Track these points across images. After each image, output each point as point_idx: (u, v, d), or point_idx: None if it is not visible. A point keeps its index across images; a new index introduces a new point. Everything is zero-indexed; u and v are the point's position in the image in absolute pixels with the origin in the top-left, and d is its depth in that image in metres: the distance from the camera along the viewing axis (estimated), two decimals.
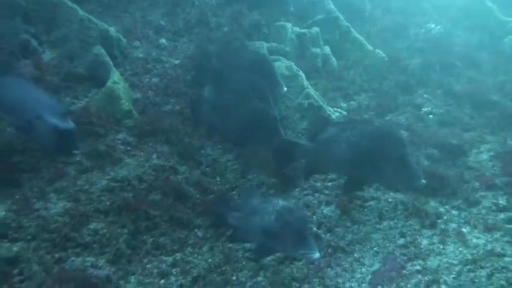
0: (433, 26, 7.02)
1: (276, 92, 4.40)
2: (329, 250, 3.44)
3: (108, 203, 3.41)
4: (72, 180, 3.51)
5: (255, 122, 3.95)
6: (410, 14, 7.69)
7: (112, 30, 4.97)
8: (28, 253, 2.90)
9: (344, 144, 3.39)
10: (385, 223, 3.69)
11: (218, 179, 4.06)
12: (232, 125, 4.13)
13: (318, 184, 4.10)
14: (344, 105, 5.28)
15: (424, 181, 3.32)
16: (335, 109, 4.95)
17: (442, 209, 3.80)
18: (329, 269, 3.29)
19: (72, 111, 4.16)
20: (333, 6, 6.42)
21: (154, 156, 4.03)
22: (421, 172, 3.36)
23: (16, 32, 4.57)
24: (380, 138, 3.31)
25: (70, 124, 3.02)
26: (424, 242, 3.48)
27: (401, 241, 3.50)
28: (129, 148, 4.05)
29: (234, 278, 3.19)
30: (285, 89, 4.45)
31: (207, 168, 4.12)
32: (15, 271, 2.82)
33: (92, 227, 3.20)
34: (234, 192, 3.95)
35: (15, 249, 2.92)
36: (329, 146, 3.48)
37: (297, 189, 4.08)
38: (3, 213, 3.10)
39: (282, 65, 5.01)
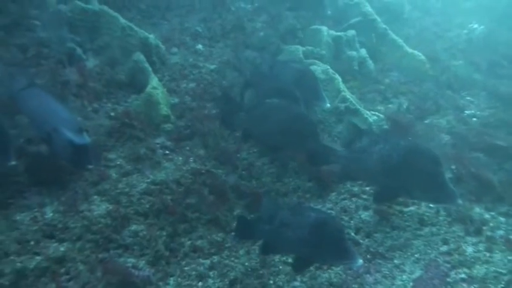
0: (476, 26, 6.78)
1: (318, 106, 4.39)
2: (368, 256, 3.36)
3: (147, 206, 3.48)
4: (113, 183, 3.62)
5: (292, 127, 3.94)
6: (450, 14, 7.46)
7: (151, 37, 5.12)
8: (74, 253, 3.00)
9: (376, 156, 3.35)
10: (426, 229, 3.57)
11: (254, 182, 4.06)
12: (269, 129, 4.13)
13: (355, 189, 4.02)
14: (382, 108, 5.17)
15: (460, 201, 3.20)
16: (372, 112, 4.86)
17: (487, 216, 3.63)
18: (368, 275, 3.21)
19: (112, 116, 4.34)
20: (369, 9, 6.33)
21: (191, 160, 4.10)
22: (457, 192, 3.21)
23: (63, 41, 4.78)
24: (413, 154, 3.24)
25: (85, 139, 3.11)
26: (469, 249, 3.33)
27: (444, 248, 3.37)
28: (167, 152, 4.14)
29: (271, 282, 3.17)
30: (329, 105, 4.41)
31: (243, 172, 4.13)
32: (62, 270, 2.93)
33: (132, 228, 3.28)
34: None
35: (62, 249, 3.03)
36: (362, 156, 3.46)
37: (333, 194, 4.02)
38: (51, 214, 3.23)
39: (317, 69, 4.97)
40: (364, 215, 3.75)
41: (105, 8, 5.04)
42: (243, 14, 6.38)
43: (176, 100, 4.78)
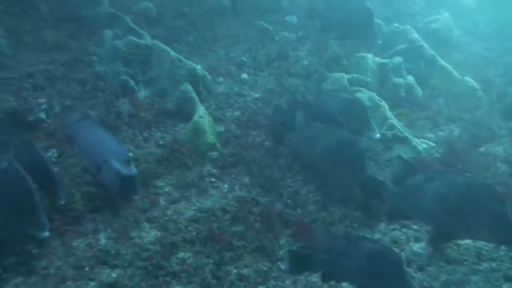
0: None
1: (368, 136, 4.35)
2: None
3: (194, 233, 3.52)
4: (162, 210, 3.71)
5: (339, 153, 3.91)
6: (503, 39, 7.19)
7: (198, 68, 5.31)
8: (125, 279, 3.07)
9: (431, 195, 3.20)
10: (485, 264, 3.35)
11: (299, 210, 4.02)
12: (315, 154, 4.13)
13: None
14: (432, 135, 5.00)
15: None
16: (422, 140, 4.71)
17: None
18: None
19: (161, 144, 4.49)
20: (416, 35, 6.25)
21: (236, 187, 4.13)
22: None
23: (117, 74, 5.07)
24: (474, 192, 3.06)
25: (132, 170, 3.22)
26: None
27: (506, 286, 3.13)
28: (213, 179, 4.20)
29: None
30: (378, 135, 4.36)
31: (288, 200, 4.10)
32: None
33: (180, 256, 3.32)
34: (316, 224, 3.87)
35: (114, 275, 3.11)
36: (415, 193, 3.31)
37: (382, 224, 3.88)
38: (105, 240, 3.35)
39: (363, 96, 4.93)
40: (416, 246, 3.59)
41: (157, 42, 5.32)
42: (287, 43, 6.50)
43: (222, 128, 4.88)
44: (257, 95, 5.52)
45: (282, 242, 3.60)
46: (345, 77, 5.35)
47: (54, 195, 3.23)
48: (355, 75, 5.48)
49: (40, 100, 4.52)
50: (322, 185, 4.17)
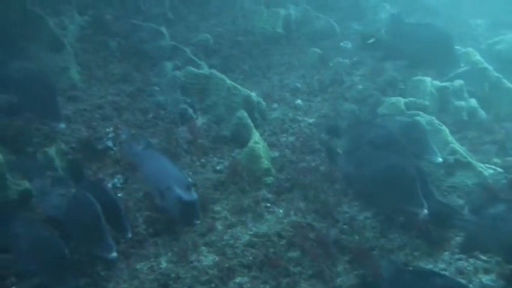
0: None
1: (429, 160, 4.20)
2: None
3: (251, 258, 3.56)
4: (219, 234, 3.80)
5: (391, 179, 3.80)
6: None
7: (253, 95, 5.45)
8: None
9: None
10: None
11: (356, 237, 3.93)
12: (369, 180, 4.05)
13: None
14: (498, 161, 4.74)
15: None
16: (487, 165, 4.47)
17: None
18: None
19: (218, 170, 4.63)
20: (479, 57, 6.04)
21: (292, 212, 4.13)
22: None
23: (177, 103, 5.35)
24: None
25: (193, 196, 3.32)
26: None
27: None
28: (268, 204, 4.24)
29: None
30: (441, 159, 4.17)
31: (344, 226, 4.03)
32: None
33: (237, 280, 3.36)
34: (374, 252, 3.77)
35: None
36: (496, 224, 3.13)
37: (446, 253, 3.69)
38: (165, 264, 3.48)
39: (422, 120, 4.79)
40: (486, 278, 3.36)
41: (214, 71, 5.56)
42: (341, 68, 6.52)
43: (277, 154, 4.93)
44: (311, 120, 5.55)
45: (339, 268, 3.54)
46: (401, 101, 5.25)
47: (122, 229, 3.39)
48: (413, 99, 5.36)
49: (107, 129, 4.85)
50: (380, 212, 4.07)
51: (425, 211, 3.59)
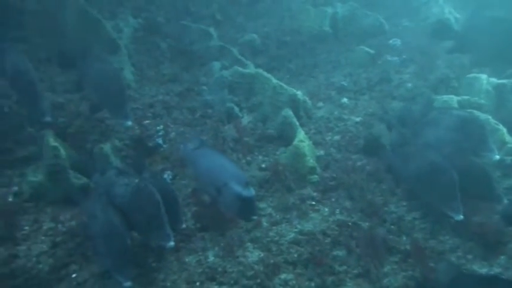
0: None
1: (486, 157, 3.99)
2: None
3: (296, 255, 3.59)
4: (264, 231, 3.85)
5: (432, 178, 3.71)
6: None
7: (299, 93, 5.45)
8: None
9: None
10: None
11: (404, 238, 3.85)
12: (412, 176, 3.97)
13: None
14: None
15: None
16: None
17: None
18: None
19: (263, 168, 4.68)
20: None
21: (337, 211, 4.11)
22: None
23: (224, 102, 5.47)
24: None
25: (251, 192, 3.31)
26: None
27: None
28: (313, 203, 4.24)
29: None
30: (498, 156, 3.96)
31: (392, 226, 3.96)
32: None
33: (282, 277, 3.40)
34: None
35: None
36: None
37: (502, 257, 3.53)
38: (213, 258, 3.59)
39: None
40: None
41: (260, 70, 5.63)
42: (390, 66, 6.36)
43: (322, 152, 4.91)
44: (358, 119, 5.47)
45: (386, 269, 3.48)
46: (454, 99, 5.04)
47: (177, 220, 3.52)
48: (466, 98, 5.13)
49: (158, 127, 5.06)
50: (429, 212, 3.95)
51: (461, 217, 3.54)
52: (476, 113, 4.75)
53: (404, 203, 4.17)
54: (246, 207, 3.27)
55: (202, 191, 3.90)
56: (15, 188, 3.99)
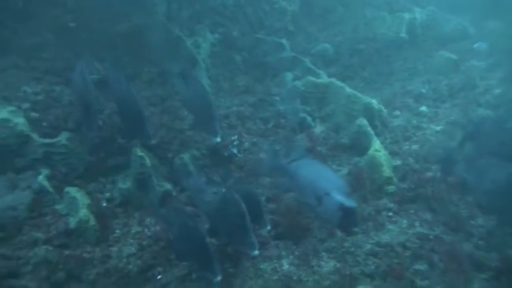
0: None
1: None
2: None
3: (373, 267, 3.49)
4: (339, 241, 3.79)
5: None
6: None
7: (374, 102, 5.33)
8: None
9: None
10: None
11: (494, 254, 3.56)
12: (486, 190, 3.69)
13: None
14: None
15: None
16: None
17: None
18: None
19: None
20: None
21: (417, 223, 3.93)
22: None
23: (296, 112, 5.51)
24: None
25: (353, 203, 3.21)
26: None
27: None
28: (390, 214, 4.09)
29: None
30: None
31: (480, 241, 3.69)
32: None
33: None
34: None
35: None
36: None
37: None
38: (287, 266, 3.61)
39: None
40: None
41: (333, 80, 5.60)
42: (475, 72, 5.98)
43: (399, 162, 4.74)
44: (438, 128, 5.20)
45: (475, 286, 3.25)
46: None
47: (262, 223, 3.62)
48: None
49: (233, 137, 5.22)
50: None
51: None
52: None
53: (493, 217, 3.87)
54: (348, 218, 3.15)
55: (301, 201, 3.88)
56: (108, 194, 4.35)
